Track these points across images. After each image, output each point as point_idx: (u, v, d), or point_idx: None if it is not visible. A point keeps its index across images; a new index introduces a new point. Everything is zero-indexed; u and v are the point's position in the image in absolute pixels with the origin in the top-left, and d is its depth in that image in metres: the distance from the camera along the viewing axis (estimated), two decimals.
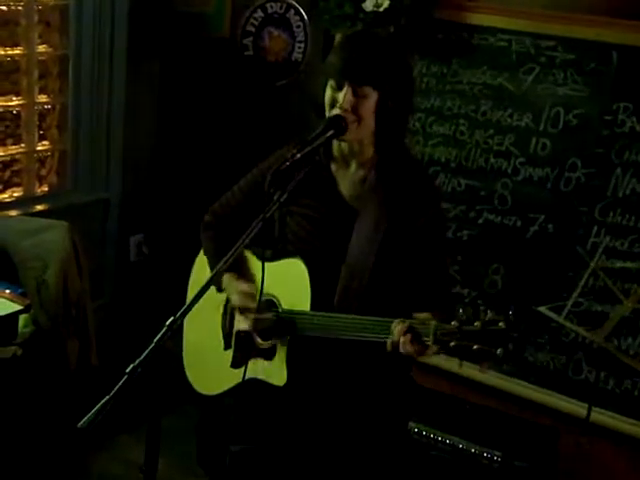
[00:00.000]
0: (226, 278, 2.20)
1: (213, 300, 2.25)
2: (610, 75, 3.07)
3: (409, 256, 2.07)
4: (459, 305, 1.83)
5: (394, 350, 1.89)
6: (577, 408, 3.16)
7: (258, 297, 2.03)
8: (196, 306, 1.70)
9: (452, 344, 1.78)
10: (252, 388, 2.16)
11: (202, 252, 2.38)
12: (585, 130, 3.15)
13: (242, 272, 2.23)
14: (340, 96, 1.99)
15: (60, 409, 2.99)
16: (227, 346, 2.26)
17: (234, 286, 2.18)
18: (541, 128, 3.23)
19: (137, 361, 1.58)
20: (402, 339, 1.85)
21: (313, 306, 2.04)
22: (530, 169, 3.26)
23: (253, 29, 3.88)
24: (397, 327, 1.87)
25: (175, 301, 2.05)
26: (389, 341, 1.89)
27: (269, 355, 2.13)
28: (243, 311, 2.15)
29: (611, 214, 3.12)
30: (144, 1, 3.72)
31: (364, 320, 1.95)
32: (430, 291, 2.07)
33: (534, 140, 3.24)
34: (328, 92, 2.03)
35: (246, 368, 2.09)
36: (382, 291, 2.07)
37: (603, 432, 3.14)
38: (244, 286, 2.16)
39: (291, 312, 2.09)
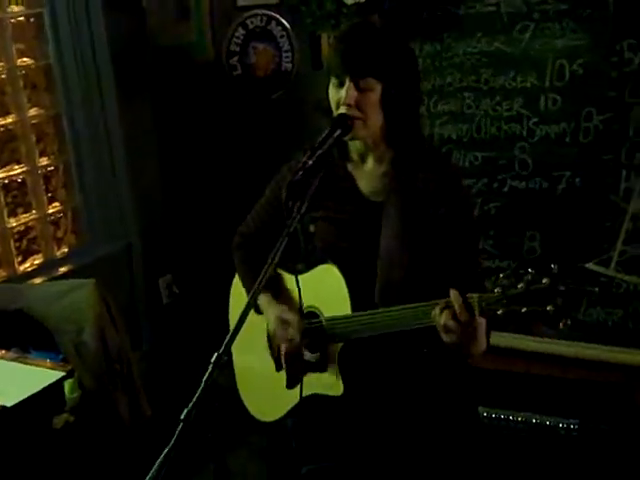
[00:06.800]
0: (263, 300, 2.17)
1: (257, 324, 2.20)
2: (608, 16, 2.98)
3: (441, 243, 2.00)
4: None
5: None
6: None
7: (298, 315, 1.97)
8: (241, 333, 1.63)
9: (500, 312, 1.70)
10: (313, 404, 2.10)
11: (237, 275, 2.34)
12: (593, 77, 3.05)
13: (278, 289, 2.19)
14: (342, 93, 1.93)
15: (121, 467, 2.94)
16: (278, 368, 2.21)
17: (271, 311, 2.15)
18: (547, 84, 3.13)
19: (190, 405, 1.52)
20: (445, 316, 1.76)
21: (354, 308, 1.98)
22: (545, 127, 3.16)
23: (237, 48, 3.85)
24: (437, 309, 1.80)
25: (216, 335, 2.00)
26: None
27: (321, 367, 2.07)
28: (282, 340, 2.11)
29: (637, 155, 3.02)
30: (126, 44, 3.70)
31: (409, 308, 1.88)
32: (464, 274, 1.98)
33: (543, 98, 3.15)
34: (332, 92, 1.97)
35: (302, 386, 2.02)
36: (420, 280, 2.00)
37: None
38: (279, 311, 2.12)
39: (334, 319, 2.03)
